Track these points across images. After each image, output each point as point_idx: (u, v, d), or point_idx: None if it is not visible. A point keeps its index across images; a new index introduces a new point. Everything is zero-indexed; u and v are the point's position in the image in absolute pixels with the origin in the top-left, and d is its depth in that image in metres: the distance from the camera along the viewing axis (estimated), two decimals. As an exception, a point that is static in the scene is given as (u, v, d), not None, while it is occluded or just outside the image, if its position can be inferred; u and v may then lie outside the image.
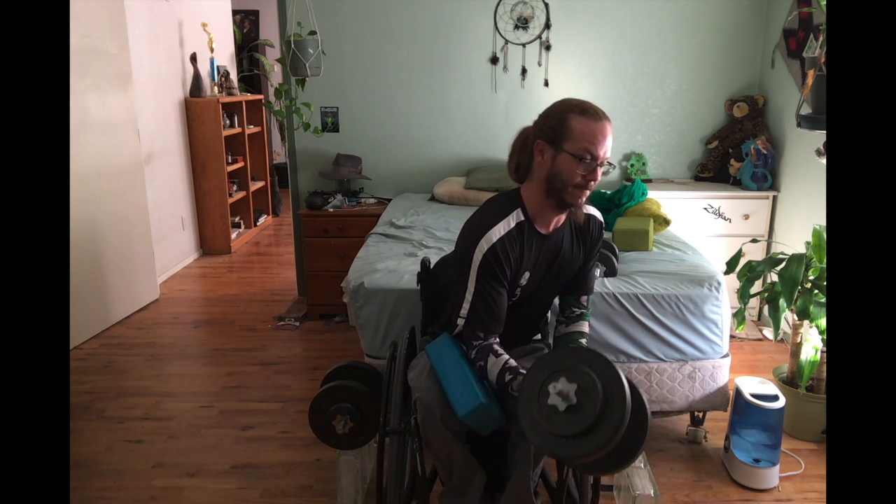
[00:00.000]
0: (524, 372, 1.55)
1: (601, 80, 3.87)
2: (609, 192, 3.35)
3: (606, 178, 3.98)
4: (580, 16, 3.77)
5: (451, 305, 1.82)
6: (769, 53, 3.70)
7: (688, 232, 3.50)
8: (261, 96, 6.02)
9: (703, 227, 3.60)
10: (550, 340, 2.02)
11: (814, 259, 2.43)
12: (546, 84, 3.86)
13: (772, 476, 2.25)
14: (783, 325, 2.78)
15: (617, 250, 2.59)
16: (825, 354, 2.46)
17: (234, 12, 6.76)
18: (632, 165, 3.91)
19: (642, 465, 2.00)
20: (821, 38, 2.31)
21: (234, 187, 5.49)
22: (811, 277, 2.43)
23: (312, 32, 3.29)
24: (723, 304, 2.32)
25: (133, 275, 3.88)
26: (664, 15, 3.77)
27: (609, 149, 1.61)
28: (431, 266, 2.10)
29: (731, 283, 2.62)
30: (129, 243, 3.83)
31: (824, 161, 2.64)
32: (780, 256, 2.48)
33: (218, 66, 5.31)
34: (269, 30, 7.75)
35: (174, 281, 4.54)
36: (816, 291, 2.40)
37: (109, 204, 3.64)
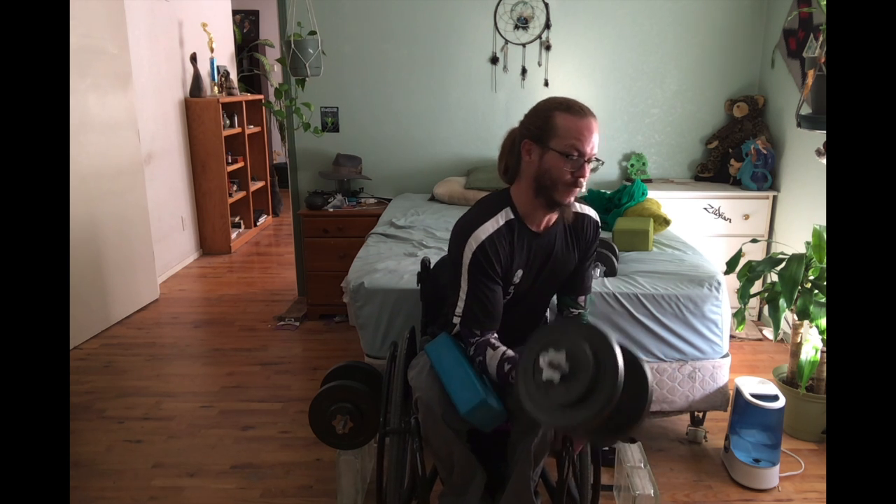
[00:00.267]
0: None
1: (601, 80, 3.87)
2: (609, 192, 3.35)
3: (606, 178, 3.99)
4: (580, 16, 3.77)
5: (448, 305, 1.82)
6: (769, 53, 3.70)
7: (688, 232, 3.50)
8: (261, 96, 6.02)
9: (703, 227, 3.60)
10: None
11: (814, 259, 2.43)
12: (546, 84, 3.86)
13: (772, 476, 2.25)
14: (783, 325, 2.78)
15: (617, 250, 2.59)
16: (825, 354, 2.46)
17: (234, 12, 6.76)
18: (632, 165, 3.91)
19: (642, 465, 2.00)
20: (821, 38, 2.31)
21: (234, 187, 5.49)
22: (811, 277, 2.43)
23: (312, 32, 3.29)
24: (723, 304, 2.32)
25: (133, 275, 3.88)
26: (664, 15, 3.77)
27: (596, 145, 1.61)
28: (431, 266, 2.10)
29: (731, 283, 2.62)
30: (129, 243, 3.83)
31: (824, 161, 2.65)
32: (780, 256, 2.48)
33: (218, 66, 5.31)
34: (269, 30, 7.75)
35: (174, 281, 4.54)
36: (816, 291, 2.40)
37: (109, 204, 3.64)
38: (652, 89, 3.88)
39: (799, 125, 2.38)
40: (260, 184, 6.03)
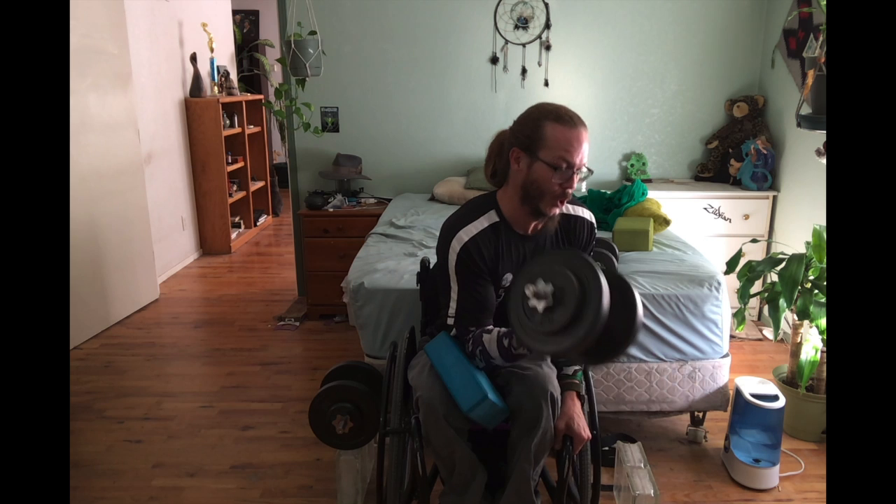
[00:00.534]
0: None
1: (601, 80, 3.87)
2: (609, 192, 3.35)
3: (606, 178, 3.99)
4: (580, 16, 3.77)
5: (441, 306, 1.83)
6: (769, 53, 3.70)
7: (688, 232, 3.50)
8: (261, 96, 6.02)
9: (703, 227, 3.60)
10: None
11: (814, 259, 2.43)
12: (546, 84, 3.86)
13: (772, 476, 2.25)
14: (783, 325, 2.79)
15: (617, 250, 2.59)
16: (825, 354, 2.46)
17: (234, 12, 6.76)
18: (632, 165, 3.91)
19: (642, 465, 2.00)
20: (821, 38, 2.30)
21: (234, 187, 5.49)
22: (811, 277, 2.43)
23: (312, 32, 3.29)
24: (723, 304, 2.33)
25: (133, 275, 3.88)
26: (664, 15, 3.77)
27: (585, 155, 1.60)
28: (431, 266, 2.10)
29: (731, 283, 2.62)
30: (129, 243, 3.83)
31: (824, 161, 2.65)
32: (780, 256, 2.48)
33: (218, 66, 5.31)
34: (269, 30, 7.75)
35: (174, 281, 4.54)
36: (816, 291, 2.40)
37: (109, 204, 3.64)
38: (652, 89, 3.88)
39: (799, 125, 2.38)
40: (260, 184, 6.03)
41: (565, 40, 3.81)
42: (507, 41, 3.81)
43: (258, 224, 5.97)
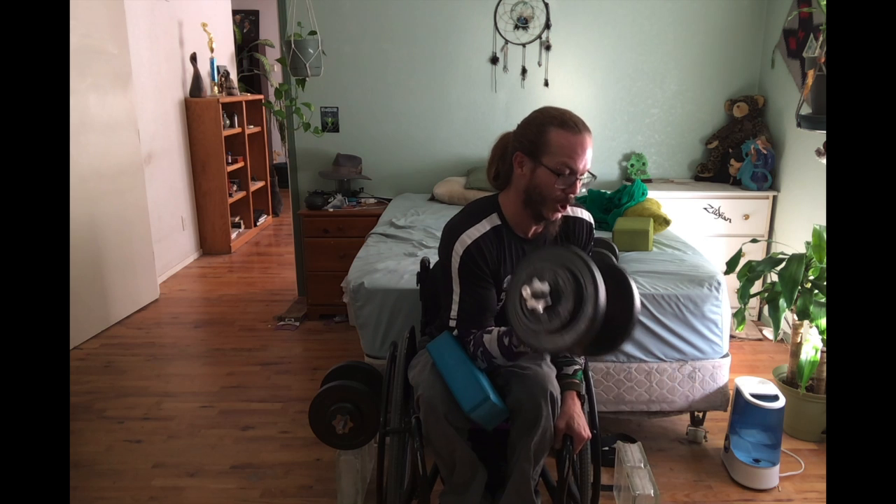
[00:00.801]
0: None
1: (601, 80, 3.87)
2: (609, 192, 3.35)
3: (606, 178, 3.99)
4: (580, 16, 3.77)
5: (442, 308, 1.83)
6: (769, 53, 3.70)
7: (688, 232, 3.50)
8: (261, 96, 6.02)
9: (703, 227, 3.60)
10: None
11: (814, 259, 2.43)
12: (546, 84, 3.86)
13: (772, 476, 2.25)
14: (783, 325, 2.79)
15: (617, 250, 2.59)
16: (825, 354, 2.46)
17: (234, 12, 6.76)
18: (632, 165, 3.91)
19: (642, 465, 2.00)
20: (821, 38, 2.30)
21: (234, 187, 5.49)
22: (811, 277, 2.43)
23: (312, 32, 3.29)
24: (723, 304, 2.33)
25: (133, 275, 3.88)
26: (664, 15, 3.77)
27: (589, 160, 1.61)
28: (431, 266, 2.10)
29: (731, 283, 2.62)
30: (129, 243, 3.83)
31: (824, 161, 2.65)
32: (780, 256, 2.48)
33: (218, 66, 5.31)
34: (269, 30, 7.76)
35: (174, 281, 4.54)
36: (816, 291, 2.40)
37: (109, 204, 3.64)
38: (652, 89, 3.88)
39: (799, 125, 2.38)
40: (260, 184, 6.03)
41: (565, 40, 3.81)
42: (507, 41, 3.81)
43: (258, 224, 5.97)
